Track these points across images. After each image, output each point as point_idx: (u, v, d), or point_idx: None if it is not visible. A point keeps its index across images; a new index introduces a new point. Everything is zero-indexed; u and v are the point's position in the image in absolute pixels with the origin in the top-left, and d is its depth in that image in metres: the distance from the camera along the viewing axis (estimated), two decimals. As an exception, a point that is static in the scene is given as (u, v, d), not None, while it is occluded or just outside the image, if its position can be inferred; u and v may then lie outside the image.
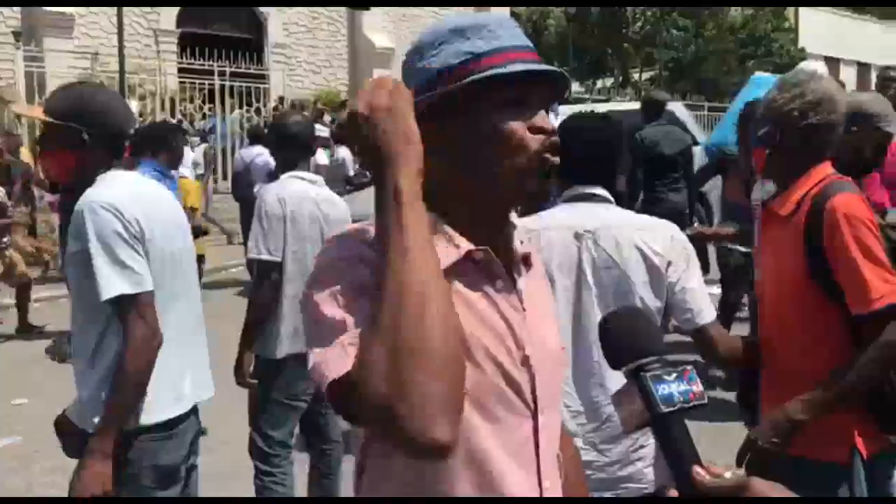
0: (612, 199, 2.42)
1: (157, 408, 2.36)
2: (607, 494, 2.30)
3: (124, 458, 2.31)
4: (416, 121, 1.16)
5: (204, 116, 16.60)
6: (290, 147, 3.79)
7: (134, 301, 2.26)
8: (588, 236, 2.32)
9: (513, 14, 27.68)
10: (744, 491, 1.00)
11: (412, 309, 1.00)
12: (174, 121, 14.14)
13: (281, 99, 17.29)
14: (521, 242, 1.33)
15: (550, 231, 2.33)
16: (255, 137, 10.67)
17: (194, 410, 2.56)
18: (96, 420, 2.28)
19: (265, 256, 3.52)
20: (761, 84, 5.90)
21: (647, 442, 2.30)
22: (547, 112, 1.27)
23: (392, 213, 1.07)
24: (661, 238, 2.34)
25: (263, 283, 3.56)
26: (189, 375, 2.49)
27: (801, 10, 34.52)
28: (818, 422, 2.16)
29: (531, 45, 1.27)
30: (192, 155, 11.62)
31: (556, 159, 1.24)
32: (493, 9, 25.65)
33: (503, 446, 1.20)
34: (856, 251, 2.13)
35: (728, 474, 1.02)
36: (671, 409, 1.06)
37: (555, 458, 1.32)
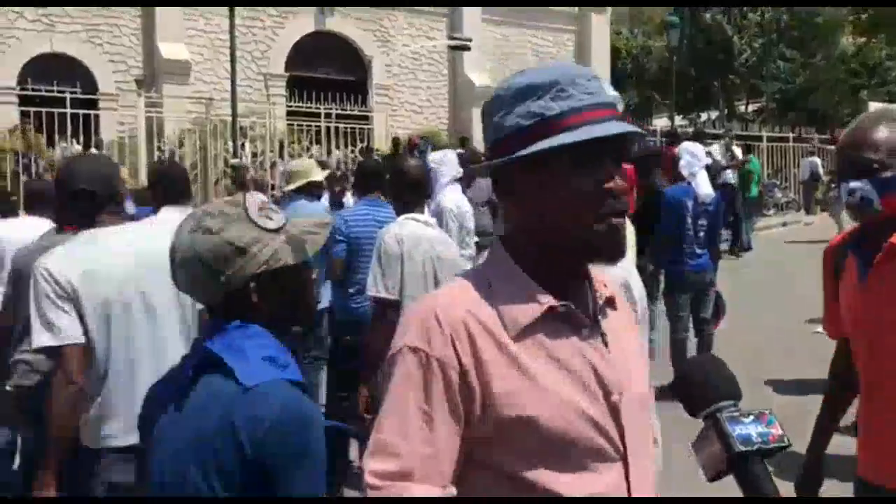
0: None
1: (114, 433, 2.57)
2: None
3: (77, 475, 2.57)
4: (497, 169, 1.30)
5: (311, 157, 17.00)
6: (408, 192, 3.99)
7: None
8: None
9: (613, 49, 27.52)
10: None
11: None
12: (283, 162, 14.52)
13: (395, 140, 17.25)
14: (605, 286, 1.36)
15: None
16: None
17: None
18: None
19: (383, 294, 3.67)
20: None
21: None
22: (622, 163, 1.29)
23: None
24: None
25: (379, 320, 3.70)
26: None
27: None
28: None
29: (607, 99, 1.28)
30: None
31: (621, 220, 1.26)
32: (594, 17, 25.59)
33: (593, 494, 1.21)
34: None
35: None
36: (748, 448, 1.03)
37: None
